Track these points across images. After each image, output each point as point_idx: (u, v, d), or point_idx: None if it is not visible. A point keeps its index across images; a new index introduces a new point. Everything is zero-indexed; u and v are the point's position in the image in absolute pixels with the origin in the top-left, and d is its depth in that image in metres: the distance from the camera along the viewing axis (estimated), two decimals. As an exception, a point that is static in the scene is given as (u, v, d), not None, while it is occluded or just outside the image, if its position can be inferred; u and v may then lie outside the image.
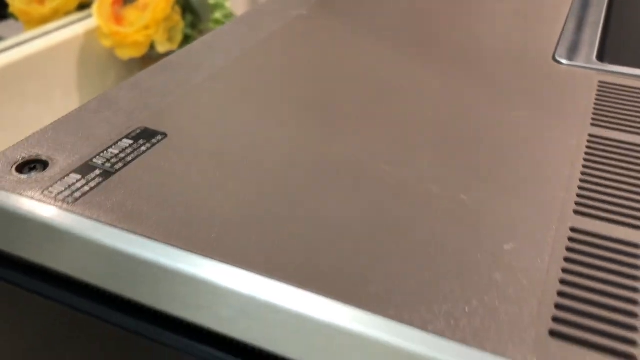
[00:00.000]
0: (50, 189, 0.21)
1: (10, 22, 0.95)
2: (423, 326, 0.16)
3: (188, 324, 0.20)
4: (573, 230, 0.20)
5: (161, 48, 0.69)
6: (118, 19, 0.68)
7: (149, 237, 0.19)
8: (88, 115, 0.26)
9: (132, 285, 0.20)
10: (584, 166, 0.23)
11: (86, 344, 0.22)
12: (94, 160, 0.23)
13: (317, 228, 0.20)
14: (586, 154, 0.24)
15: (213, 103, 0.27)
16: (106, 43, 0.69)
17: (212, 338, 0.20)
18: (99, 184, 0.22)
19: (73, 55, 0.72)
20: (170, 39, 0.71)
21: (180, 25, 0.71)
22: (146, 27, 0.68)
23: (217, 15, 0.72)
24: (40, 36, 0.70)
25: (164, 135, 0.25)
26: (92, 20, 0.69)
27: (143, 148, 0.24)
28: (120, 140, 0.24)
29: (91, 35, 0.72)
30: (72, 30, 0.72)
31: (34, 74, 0.68)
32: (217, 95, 0.28)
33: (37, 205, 0.21)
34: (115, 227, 0.20)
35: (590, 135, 0.25)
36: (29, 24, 0.73)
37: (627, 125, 0.26)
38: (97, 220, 0.20)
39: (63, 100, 0.72)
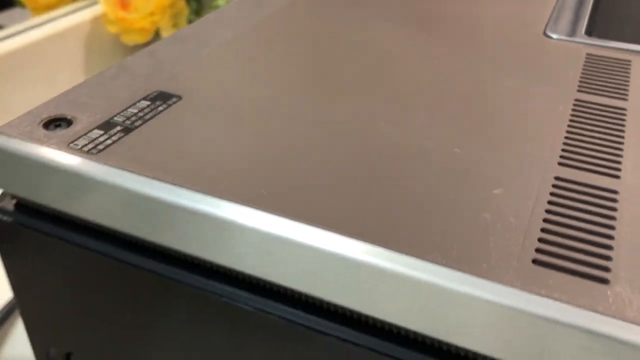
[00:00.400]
0: (75, 142, 0.23)
1: (16, 10, 0.97)
2: (420, 255, 0.18)
3: (209, 264, 0.21)
4: (557, 178, 0.22)
5: (166, 34, 0.71)
6: (124, 5, 0.69)
7: (169, 182, 0.21)
8: (107, 80, 0.28)
9: (152, 228, 0.22)
10: (569, 126, 0.25)
11: (111, 287, 0.24)
12: (115, 118, 0.25)
13: (323, 173, 0.21)
14: (572, 115, 0.26)
15: (223, 69, 0.29)
16: (112, 29, 0.71)
17: (231, 276, 0.21)
18: (120, 138, 0.24)
19: (79, 41, 0.74)
20: (175, 26, 0.72)
21: (185, 12, 0.73)
22: (152, 14, 0.69)
23: (220, 2, 0.74)
24: (46, 22, 0.72)
25: (179, 97, 0.26)
26: (98, 6, 0.71)
27: (160, 108, 0.26)
28: (139, 101, 0.26)
29: (97, 22, 0.73)
30: (79, 16, 0.74)
31: (41, 60, 0.69)
32: (227, 63, 0.30)
33: (64, 156, 0.23)
34: (137, 173, 0.21)
35: (576, 100, 0.27)
36: (35, 11, 0.75)
37: (610, 91, 0.28)
38: (120, 167, 0.22)
39: (69, 85, 0.74)
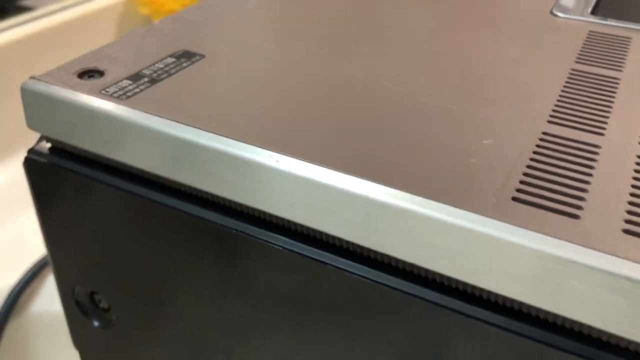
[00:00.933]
0: (106, 89, 0.26)
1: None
2: (413, 191, 0.20)
3: (225, 201, 0.24)
4: (544, 133, 0.24)
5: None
6: (156, -12, 0.72)
7: (187, 124, 0.23)
8: (137, 39, 0.30)
9: (172, 166, 0.24)
10: (563, 91, 0.27)
11: (137, 227, 0.27)
12: (143, 71, 0.27)
13: (330, 120, 0.24)
14: (566, 82, 0.27)
15: (244, 33, 0.31)
16: (143, 10, 0.74)
17: (250, 214, 0.24)
18: (147, 87, 0.26)
19: (111, 23, 0.76)
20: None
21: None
22: (182, -4, 0.72)
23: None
24: (80, 3, 0.74)
25: (202, 56, 0.29)
26: (132, -13, 0.74)
27: (184, 64, 0.28)
28: (165, 58, 0.28)
29: (130, 3, 0.76)
30: (111, -3, 0.76)
31: (72, 41, 0.72)
32: (248, 28, 0.32)
33: (96, 100, 0.25)
34: (159, 116, 0.24)
35: (573, 70, 0.29)
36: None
37: (607, 63, 0.29)
38: (145, 111, 0.24)
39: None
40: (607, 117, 0.25)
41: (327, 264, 0.22)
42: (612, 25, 0.33)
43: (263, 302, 0.25)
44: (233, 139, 0.22)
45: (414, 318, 0.21)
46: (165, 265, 0.27)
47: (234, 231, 0.24)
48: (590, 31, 0.33)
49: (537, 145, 0.23)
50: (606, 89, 0.27)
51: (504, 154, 0.22)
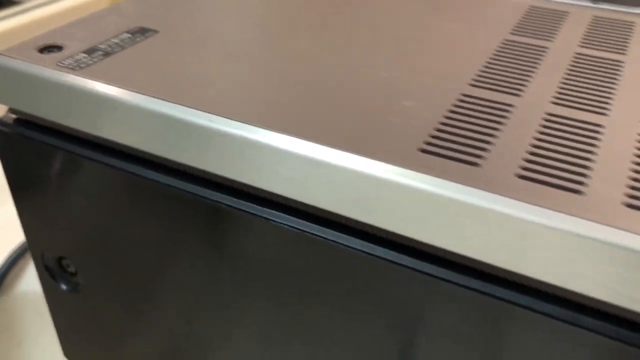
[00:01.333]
0: (62, 62, 0.28)
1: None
2: (336, 145, 0.22)
3: (164, 160, 0.26)
4: (464, 95, 0.25)
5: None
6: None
7: (134, 90, 0.25)
8: (98, 18, 0.32)
9: (124, 130, 0.26)
10: (491, 58, 0.28)
11: (99, 194, 0.29)
12: (99, 45, 0.29)
13: (274, 89, 0.25)
14: (496, 51, 0.29)
15: (200, 13, 0.33)
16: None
17: (195, 175, 0.26)
18: (100, 60, 0.28)
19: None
20: None
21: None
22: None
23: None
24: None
25: (156, 31, 0.31)
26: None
27: (138, 39, 0.30)
28: (121, 34, 0.30)
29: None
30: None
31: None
32: (205, 8, 0.34)
33: (51, 72, 0.27)
34: (108, 83, 0.26)
35: (506, 40, 0.30)
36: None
37: (539, 33, 0.31)
38: (96, 79, 0.26)
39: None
40: (527, 81, 0.26)
41: (274, 221, 0.24)
42: (555, 1, 0.35)
43: (220, 263, 0.27)
44: (166, 99, 0.24)
45: (338, 265, 0.23)
46: (127, 230, 0.29)
47: (181, 191, 0.26)
48: (530, 6, 0.34)
49: (454, 105, 0.24)
50: (527, 55, 0.29)
51: (421, 113, 0.24)
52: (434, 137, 0.22)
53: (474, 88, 0.26)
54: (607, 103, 0.25)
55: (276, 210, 0.24)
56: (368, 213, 0.21)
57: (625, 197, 0.19)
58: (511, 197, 0.19)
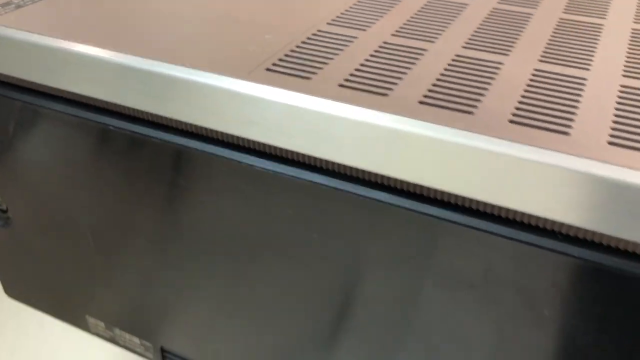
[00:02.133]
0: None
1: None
2: (207, 69, 0.24)
3: (93, 102, 0.27)
4: (319, 30, 0.28)
5: None
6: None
7: (30, 31, 0.27)
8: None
9: (40, 71, 0.28)
10: (355, 4, 0.31)
11: (36, 137, 0.30)
12: (13, 1, 0.29)
13: (166, 29, 0.28)
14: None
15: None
16: None
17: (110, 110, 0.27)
18: (12, 11, 0.30)
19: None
20: None
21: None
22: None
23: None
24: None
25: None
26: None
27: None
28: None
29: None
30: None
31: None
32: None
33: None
34: (19, 29, 0.28)
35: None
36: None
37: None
38: (6, 26, 0.28)
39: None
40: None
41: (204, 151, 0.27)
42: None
43: (149, 194, 0.29)
44: (63, 39, 0.26)
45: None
46: (54, 165, 0.31)
47: (110, 127, 0.28)
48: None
49: (307, 37, 0.27)
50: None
51: (275, 44, 0.27)
52: (281, 59, 0.25)
53: (330, 26, 0.29)
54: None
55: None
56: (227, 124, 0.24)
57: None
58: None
